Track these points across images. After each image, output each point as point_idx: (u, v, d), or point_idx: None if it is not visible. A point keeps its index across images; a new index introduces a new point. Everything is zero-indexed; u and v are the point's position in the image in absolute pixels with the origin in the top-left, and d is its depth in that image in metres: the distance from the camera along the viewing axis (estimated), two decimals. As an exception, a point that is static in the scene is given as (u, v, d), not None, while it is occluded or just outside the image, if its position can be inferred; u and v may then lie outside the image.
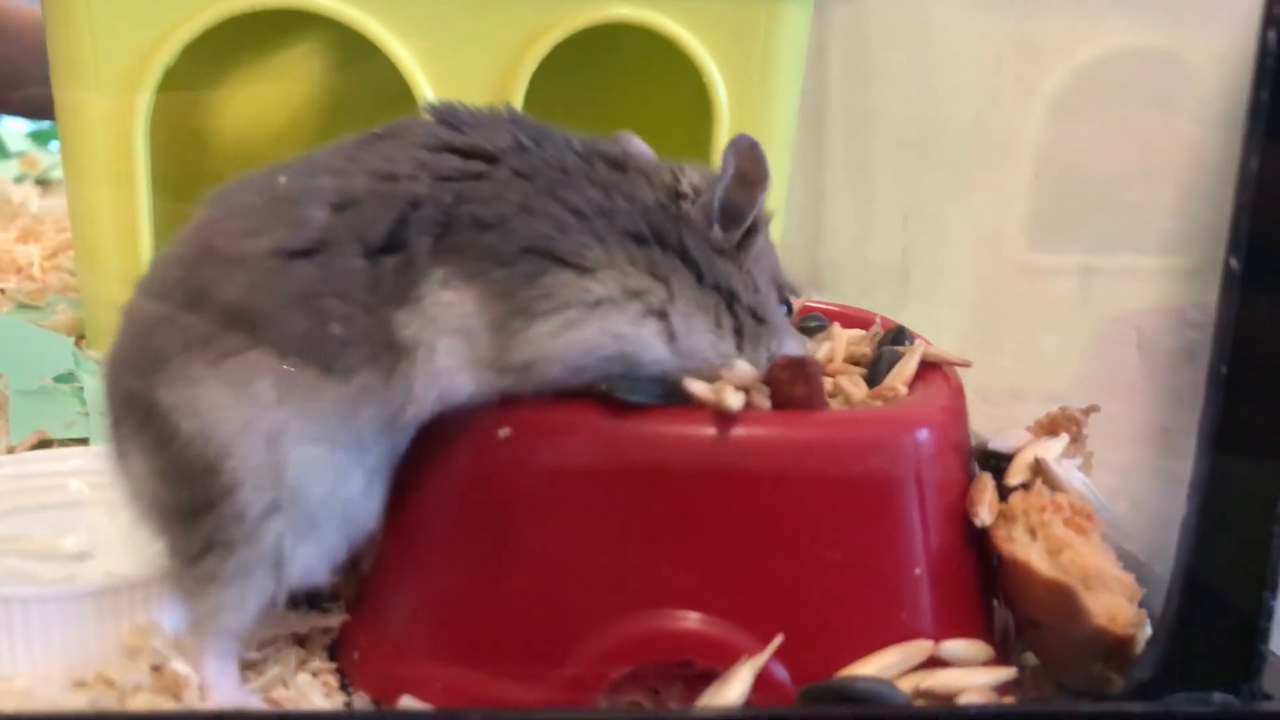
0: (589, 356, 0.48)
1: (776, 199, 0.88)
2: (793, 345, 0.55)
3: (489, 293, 0.47)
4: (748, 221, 0.52)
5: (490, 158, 0.50)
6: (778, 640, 0.46)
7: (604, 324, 0.48)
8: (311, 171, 0.49)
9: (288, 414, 0.47)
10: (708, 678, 0.46)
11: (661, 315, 0.49)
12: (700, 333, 0.50)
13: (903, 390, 0.55)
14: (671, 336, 0.49)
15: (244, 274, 0.47)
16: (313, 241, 0.47)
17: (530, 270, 0.47)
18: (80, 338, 0.88)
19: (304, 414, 0.47)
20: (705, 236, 0.51)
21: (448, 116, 0.52)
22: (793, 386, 0.50)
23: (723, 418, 0.48)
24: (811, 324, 0.63)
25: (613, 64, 0.92)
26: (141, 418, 0.48)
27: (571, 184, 0.49)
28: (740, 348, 0.51)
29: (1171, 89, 0.69)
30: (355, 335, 0.47)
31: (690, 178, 0.52)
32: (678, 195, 0.52)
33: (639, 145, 0.55)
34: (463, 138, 0.50)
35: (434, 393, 0.48)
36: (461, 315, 0.48)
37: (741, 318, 0.51)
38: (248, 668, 0.50)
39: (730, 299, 0.51)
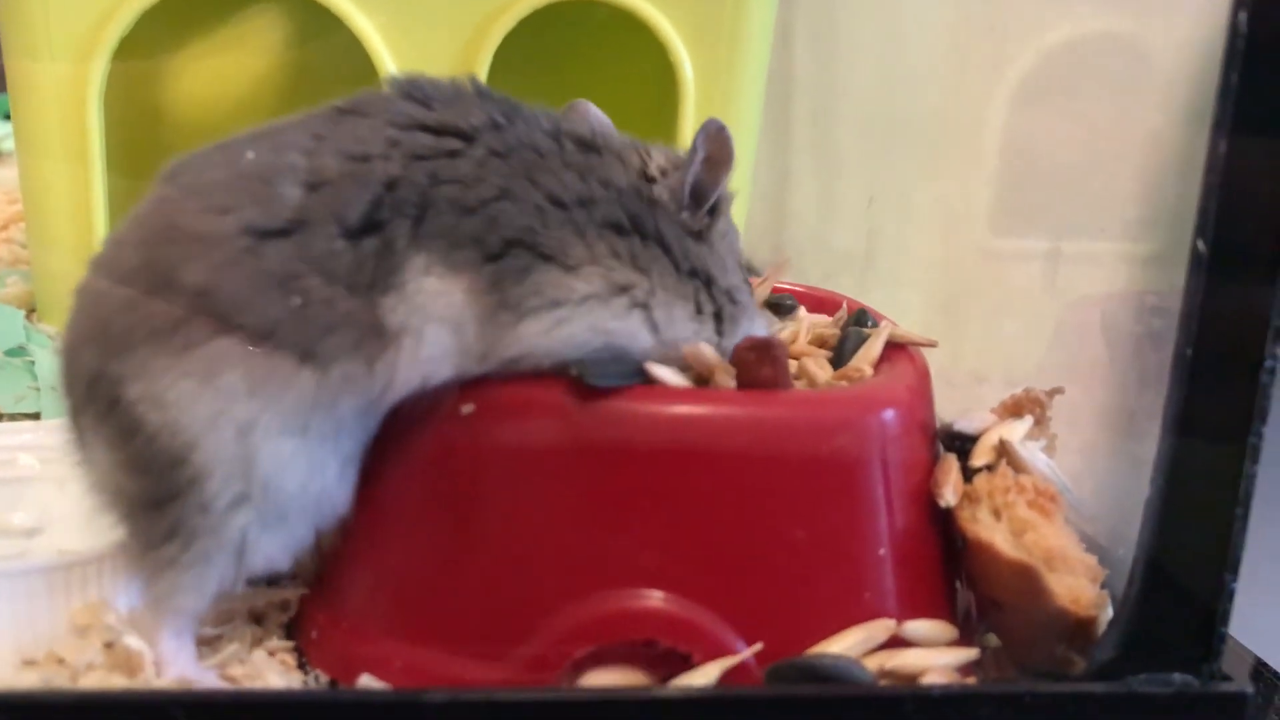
0: (577, 351, 0.48)
1: (742, 181, 0.87)
2: (761, 324, 0.55)
3: (477, 285, 0.47)
4: (711, 201, 0.52)
5: (464, 135, 0.49)
6: (756, 648, 0.46)
7: (591, 320, 0.48)
8: (279, 148, 0.48)
9: (259, 406, 0.45)
10: (672, 659, 0.46)
11: (645, 307, 0.49)
12: (682, 321, 0.50)
13: (868, 371, 0.55)
14: (655, 327, 0.49)
15: (213, 254, 0.45)
16: (288, 220, 0.46)
17: (518, 266, 0.47)
18: (31, 311, 0.87)
19: (277, 405, 0.46)
20: (677, 220, 0.51)
21: (413, 91, 0.50)
22: (759, 367, 0.49)
23: (688, 396, 0.48)
24: (787, 303, 0.63)
25: (579, 40, 0.91)
26: (104, 409, 0.46)
27: (548, 167, 0.49)
28: (720, 332, 0.51)
29: (1135, 75, 0.69)
30: (338, 319, 0.46)
31: (657, 160, 0.52)
32: (646, 178, 0.51)
33: (596, 114, 0.54)
34: (433, 115, 0.49)
35: (417, 378, 0.47)
36: (449, 304, 0.47)
37: (720, 301, 0.51)
38: (203, 644, 0.50)
39: (708, 283, 0.51)
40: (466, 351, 0.47)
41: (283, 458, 0.46)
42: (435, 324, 0.47)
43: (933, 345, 0.56)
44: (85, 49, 0.77)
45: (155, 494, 0.46)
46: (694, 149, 0.50)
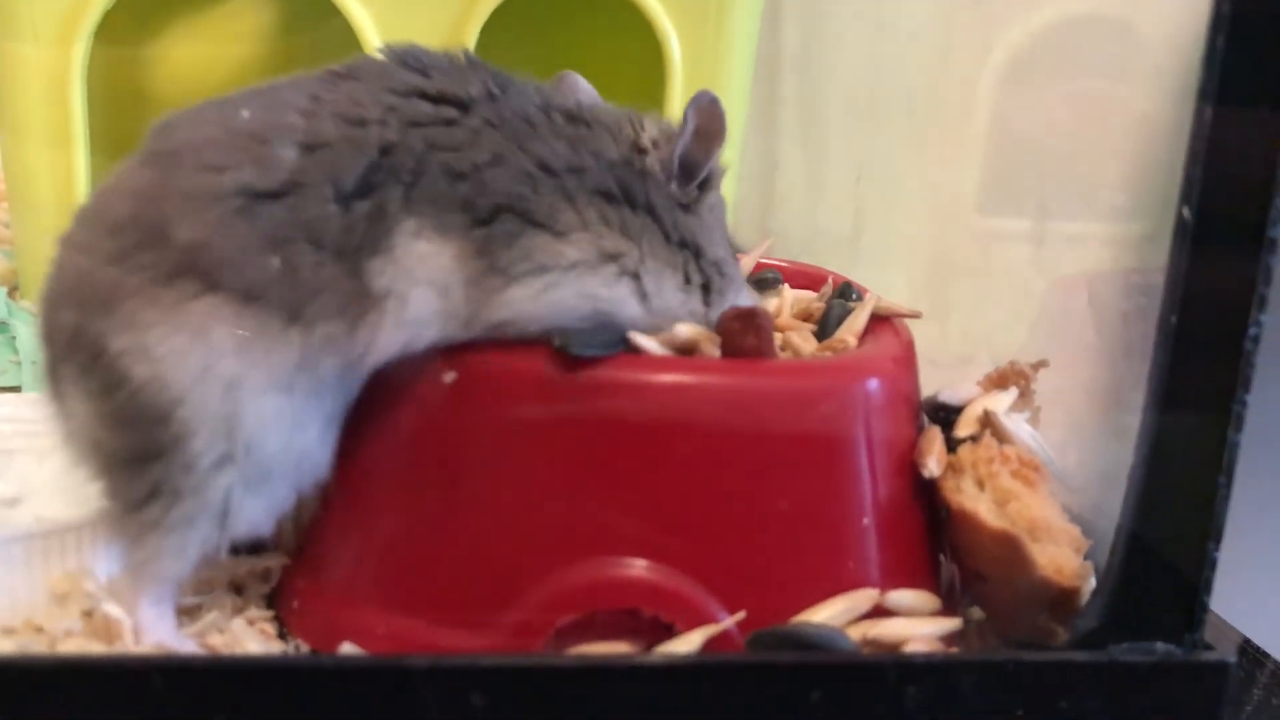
0: (564, 317, 0.48)
1: (730, 159, 0.87)
2: (747, 297, 0.55)
3: (466, 249, 0.47)
4: (703, 174, 0.52)
5: (461, 105, 0.49)
6: (739, 616, 0.46)
7: (579, 286, 0.48)
8: (275, 108, 0.47)
9: (246, 362, 0.45)
10: (656, 628, 0.46)
11: (635, 276, 0.49)
12: (671, 291, 0.50)
13: (852, 342, 0.55)
14: (644, 296, 0.49)
15: (207, 213, 0.45)
16: (283, 183, 0.46)
17: (507, 231, 0.47)
18: (14, 289, 0.86)
19: (264, 363, 0.45)
20: (668, 191, 0.51)
21: (409, 60, 0.50)
22: (743, 337, 0.49)
23: (672, 365, 0.48)
24: (768, 276, 0.62)
25: (565, 17, 0.91)
26: (87, 360, 0.46)
27: (538, 136, 0.49)
28: (708, 303, 0.51)
29: (1123, 56, 0.69)
30: (324, 283, 0.46)
31: (649, 131, 0.52)
32: (638, 149, 0.51)
33: (584, 87, 0.54)
34: (431, 83, 0.49)
35: (400, 341, 0.47)
36: (437, 268, 0.47)
37: (708, 273, 0.52)
38: (182, 613, 0.49)
39: (696, 254, 0.51)
40: (452, 315, 0.47)
41: (267, 415, 0.46)
42: (422, 287, 0.47)
43: (916, 316, 0.56)
44: (68, 30, 0.76)
45: (137, 450, 0.45)
46: (685, 121, 0.50)
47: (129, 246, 0.46)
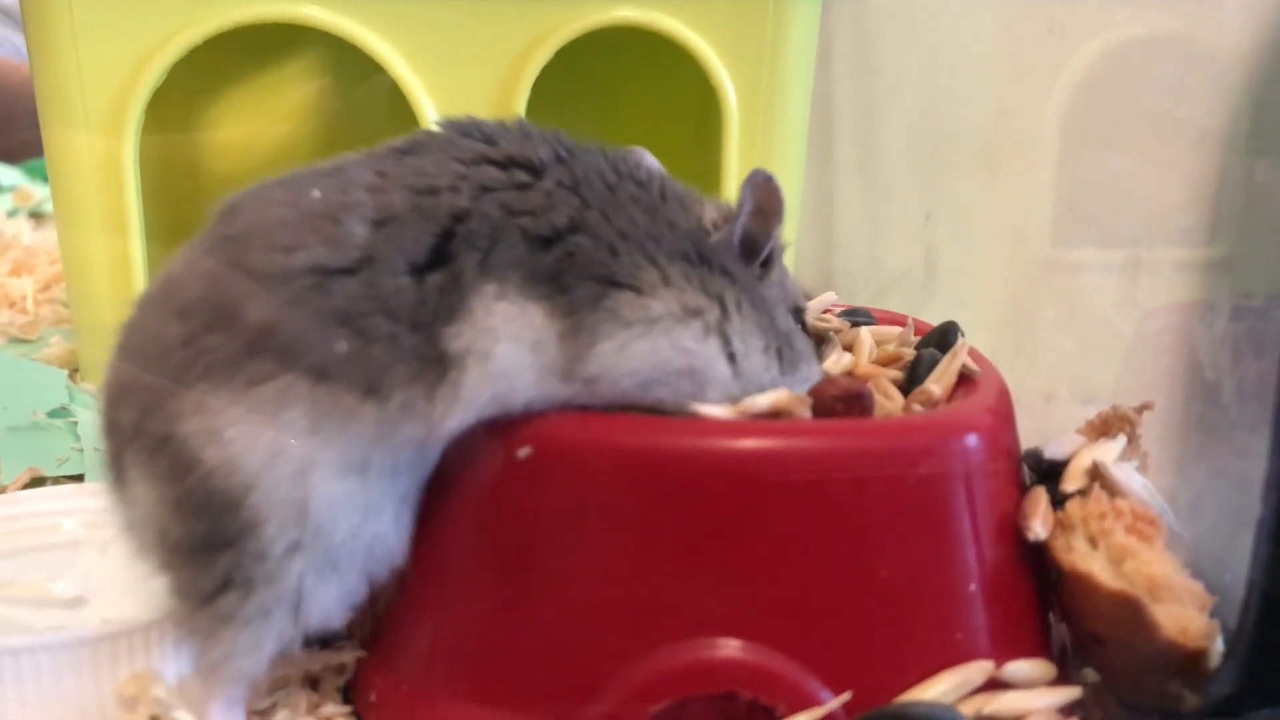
0: (657, 370, 0.46)
1: (791, 203, 0.85)
2: (817, 370, 0.54)
3: (552, 310, 0.46)
4: (765, 253, 0.52)
5: (533, 169, 0.48)
6: (845, 697, 0.43)
7: (668, 338, 0.47)
8: (344, 186, 0.47)
9: (319, 443, 0.44)
10: (755, 712, 0.43)
11: (721, 333, 0.48)
12: (756, 353, 0.49)
13: (937, 393, 0.52)
14: (732, 356, 0.48)
15: (279, 292, 0.44)
16: (355, 260, 0.45)
17: (592, 295, 0.46)
18: (74, 371, 0.85)
19: (337, 442, 0.44)
20: (740, 262, 0.51)
21: (470, 130, 0.50)
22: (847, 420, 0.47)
23: (757, 429, 0.45)
24: (859, 318, 0.60)
25: (618, 68, 0.89)
26: (155, 444, 0.44)
27: (618, 203, 0.48)
28: (783, 371, 0.50)
29: (1192, 77, 0.67)
30: (400, 353, 0.44)
31: (709, 214, 0.52)
32: (703, 228, 0.51)
33: (650, 160, 0.53)
34: (497, 149, 0.49)
35: (487, 395, 0.45)
36: (526, 325, 0.46)
37: (780, 343, 0.50)
38: (256, 715, 0.47)
39: (771, 323, 0.50)
40: (549, 368, 0.46)
41: (338, 498, 0.44)
42: (508, 343, 0.45)
43: (975, 372, 0.53)
44: (118, 115, 0.76)
45: (207, 538, 0.44)
46: (741, 200, 0.50)
47: (198, 329, 0.44)
